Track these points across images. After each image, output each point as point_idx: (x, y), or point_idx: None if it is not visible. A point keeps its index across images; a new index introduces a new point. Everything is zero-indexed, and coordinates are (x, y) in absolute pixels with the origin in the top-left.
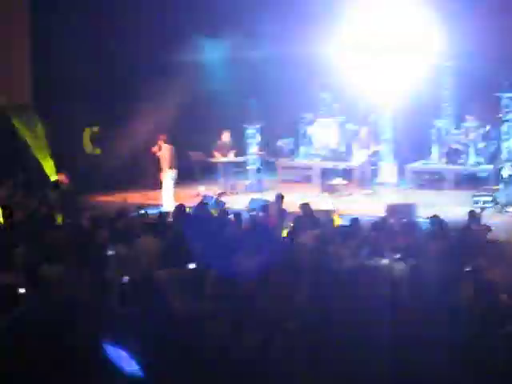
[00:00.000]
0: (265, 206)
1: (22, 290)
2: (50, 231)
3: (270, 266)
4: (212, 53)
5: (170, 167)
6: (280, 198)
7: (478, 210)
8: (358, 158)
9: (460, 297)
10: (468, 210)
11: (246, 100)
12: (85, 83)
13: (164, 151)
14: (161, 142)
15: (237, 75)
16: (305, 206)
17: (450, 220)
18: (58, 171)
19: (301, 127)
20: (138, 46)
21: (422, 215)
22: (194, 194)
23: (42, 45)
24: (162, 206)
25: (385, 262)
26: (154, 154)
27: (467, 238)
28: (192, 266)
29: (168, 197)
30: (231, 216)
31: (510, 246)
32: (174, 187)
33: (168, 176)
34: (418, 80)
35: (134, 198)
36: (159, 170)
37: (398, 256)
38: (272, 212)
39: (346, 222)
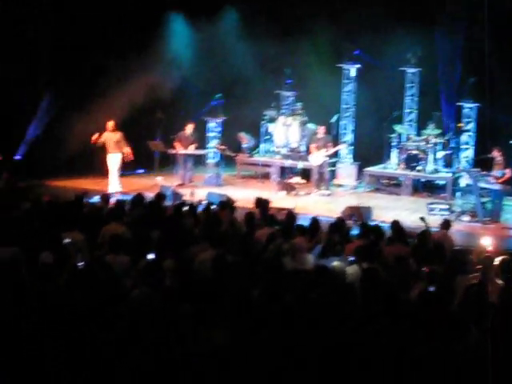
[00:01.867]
0: (224, 202)
1: None
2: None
3: (226, 259)
4: (182, 40)
5: (115, 152)
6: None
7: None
8: (315, 158)
9: (411, 302)
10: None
11: (211, 93)
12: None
13: (111, 136)
14: (108, 128)
15: (204, 67)
16: (261, 202)
17: (406, 225)
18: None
19: (262, 124)
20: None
21: (378, 219)
22: (152, 184)
23: None
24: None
25: (337, 263)
26: (95, 142)
27: (426, 244)
28: (150, 256)
29: (113, 182)
30: (187, 208)
31: (464, 253)
32: (123, 174)
33: (114, 161)
34: (380, 85)
35: (89, 183)
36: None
37: (351, 258)
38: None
39: (303, 222)
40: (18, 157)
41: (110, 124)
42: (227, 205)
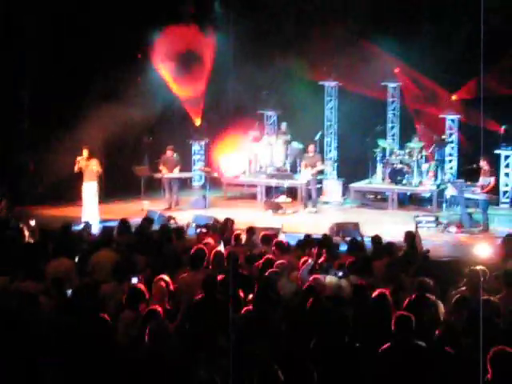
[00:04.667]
0: (210, 225)
1: None
2: None
3: (216, 280)
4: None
5: (90, 181)
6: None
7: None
8: (303, 176)
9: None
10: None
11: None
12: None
13: (85, 164)
14: (84, 154)
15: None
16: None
17: (393, 239)
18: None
19: (247, 144)
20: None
21: (366, 234)
22: (139, 210)
23: None
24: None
25: (329, 279)
26: (79, 169)
27: (411, 257)
28: (134, 279)
29: (89, 212)
30: (174, 231)
31: (452, 265)
32: (101, 201)
33: (88, 189)
34: (364, 100)
35: (76, 211)
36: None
37: (340, 274)
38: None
39: (292, 240)
40: None
41: (85, 151)
42: (214, 227)
